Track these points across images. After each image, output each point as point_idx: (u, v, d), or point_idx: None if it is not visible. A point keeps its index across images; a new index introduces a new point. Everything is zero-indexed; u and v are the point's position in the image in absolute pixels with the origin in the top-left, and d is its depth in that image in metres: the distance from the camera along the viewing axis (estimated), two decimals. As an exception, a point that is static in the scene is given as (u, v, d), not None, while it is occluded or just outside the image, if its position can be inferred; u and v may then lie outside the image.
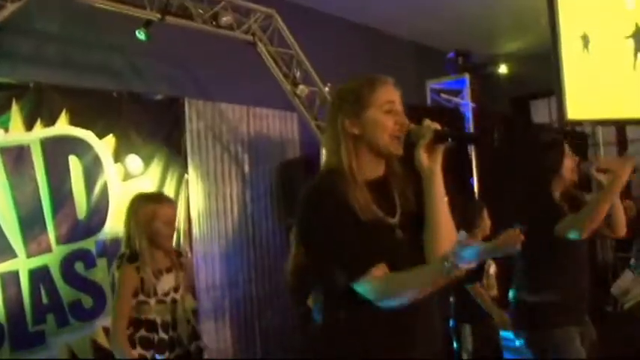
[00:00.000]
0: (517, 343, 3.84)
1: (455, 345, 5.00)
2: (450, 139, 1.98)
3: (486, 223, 4.81)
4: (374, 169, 2.05)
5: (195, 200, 5.87)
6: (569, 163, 3.47)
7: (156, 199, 3.61)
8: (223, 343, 5.98)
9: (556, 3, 6.47)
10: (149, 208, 3.34)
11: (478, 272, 4.88)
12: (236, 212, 6.20)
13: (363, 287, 1.89)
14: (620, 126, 8.00)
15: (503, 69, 8.32)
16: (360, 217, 1.92)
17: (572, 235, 3.21)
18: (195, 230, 5.84)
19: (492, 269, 4.81)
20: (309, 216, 2.00)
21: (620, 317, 5.31)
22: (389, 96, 2.03)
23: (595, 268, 5.79)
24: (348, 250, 1.91)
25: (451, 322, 5.04)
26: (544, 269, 3.38)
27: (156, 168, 5.60)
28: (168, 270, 3.37)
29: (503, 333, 4.79)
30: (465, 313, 4.86)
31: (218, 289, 5.97)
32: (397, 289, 1.89)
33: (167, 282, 3.35)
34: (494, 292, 4.75)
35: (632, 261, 5.72)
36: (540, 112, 9.27)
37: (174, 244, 5.31)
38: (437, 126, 1.98)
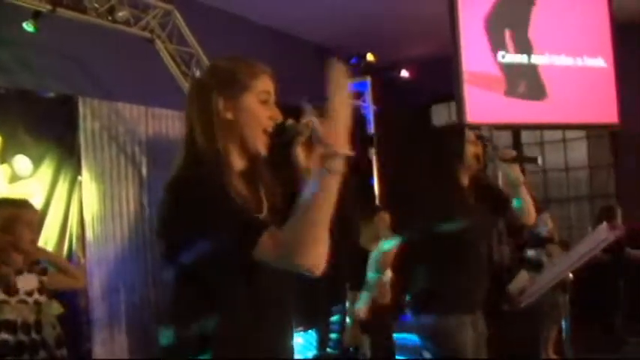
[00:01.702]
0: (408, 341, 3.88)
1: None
2: None
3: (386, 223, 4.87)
4: (240, 161, 1.89)
5: (90, 203, 5.64)
6: (472, 150, 3.42)
7: (17, 203, 3.53)
8: (119, 350, 5.76)
9: (457, 9, 6.66)
10: (9, 212, 3.30)
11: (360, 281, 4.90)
12: (132, 215, 6.00)
13: (263, 251, 1.69)
14: (516, 130, 8.31)
15: (405, 73, 8.44)
16: (240, 207, 1.76)
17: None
18: (89, 234, 5.61)
19: (387, 277, 4.81)
20: (185, 199, 1.76)
21: (516, 316, 5.49)
22: (267, 86, 1.88)
23: (491, 268, 5.96)
24: (239, 218, 1.72)
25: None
26: (443, 257, 3.40)
27: (47, 169, 5.36)
28: (30, 270, 3.32)
29: (396, 335, 4.86)
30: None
31: (113, 295, 5.75)
32: (304, 230, 1.68)
33: (28, 282, 3.29)
34: (387, 300, 4.75)
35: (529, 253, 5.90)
36: (442, 116, 9.50)
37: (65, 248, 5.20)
38: (317, 124, 1.82)
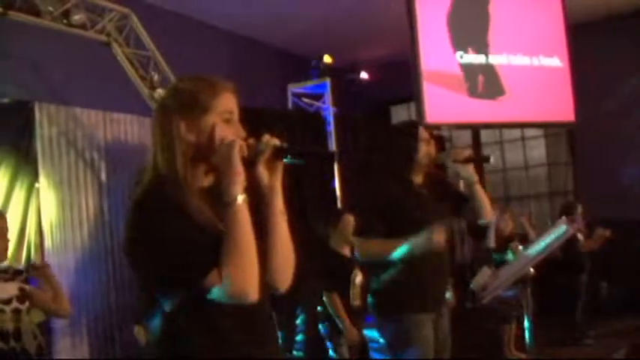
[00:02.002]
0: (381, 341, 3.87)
1: (330, 352, 5.07)
2: (289, 156, 1.89)
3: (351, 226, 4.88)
4: (207, 178, 1.91)
5: (48, 210, 5.55)
6: (425, 149, 3.44)
7: None
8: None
9: (415, 11, 6.71)
10: None
11: (338, 281, 4.92)
12: (92, 222, 5.91)
13: (215, 289, 1.74)
14: (475, 129, 8.40)
15: (364, 75, 8.49)
16: (197, 224, 1.78)
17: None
18: (47, 242, 5.52)
19: (358, 279, 4.84)
20: (144, 220, 1.80)
21: (479, 313, 5.54)
22: (228, 104, 1.88)
23: (453, 267, 6.02)
24: (191, 251, 1.75)
25: (321, 327, 5.11)
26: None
27: (2, 176, 5.28)
28: (8, 279, 3.30)
29: (367, 332, 4.87)
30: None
31: (74, 303, 5.63)
32: (232, 266, 1.74)
33: (6, 290, 3.26)
34: (358, 302, 4.77)
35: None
36: (401, 117, 9.56)
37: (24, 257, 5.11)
38: (276, 141, 1.87)
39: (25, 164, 5.43)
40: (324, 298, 4.90)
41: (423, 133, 3.49)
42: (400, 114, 9.54)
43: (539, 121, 7.51)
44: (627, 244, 7.35)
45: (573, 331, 6.84)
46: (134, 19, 5.15)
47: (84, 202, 5.91)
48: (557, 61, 7.26)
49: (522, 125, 7.97)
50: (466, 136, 9.08)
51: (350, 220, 4.82)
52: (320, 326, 5.06)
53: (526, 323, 4.16)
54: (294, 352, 5.60)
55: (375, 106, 9.12)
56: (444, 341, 3.48)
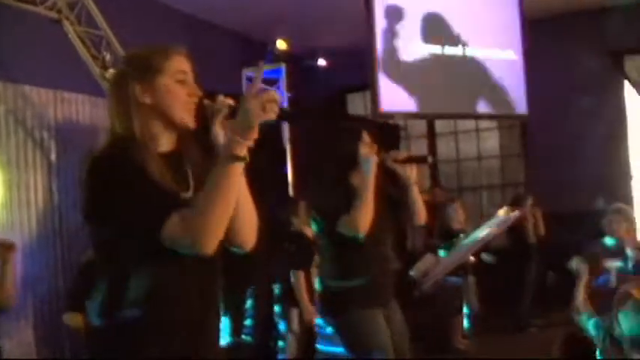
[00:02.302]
0: (328, 330, 3.91)
1: (282, 327, 5.16)
2: None
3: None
4: (166, 142, 1.96)
5: (-5, 189, 5.42)
6: (366, 151, 3.46)
7: None
8: (27, 345, 5.58)
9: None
10: None
11: (303, 260, 5.03)
12: (41, 203, 5.79)
13: (168, 235, 1.75)
14: (430, 120, 8.48)
15: (321, 62, 8.48)
16: (157, 187, 1.80)
17: (353, 234, 3.30)
18: (-6, 222, 5.40)
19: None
20: (103, 178, 1.81)
21: (426, 303, 5.62)
22: (181, 65, 1.95)
23: (404, 255, 6.09)
24: (149, 201, 1.77)
25: (277, 308, 5.19)
26: (345, 256, 3.44)
27: (-53, 154, 5.13)
28: None
29: (318, 320, 4.93)
30: (292, 297, 5.02)
31: (20, 286, 5.54)
32: (201, 216, 1.75)
33: None
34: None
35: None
36: (357, 105, 9.60)
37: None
38: (231, 102, 1.93)
39: (-28, 143, 5.31)
40: (291, 277, 4.98)
41: (364, 136, 3.51)
42: (357, 102, 9.58)
43: (493, 114, 7.61)
44: (575, 235, 7.51)
45: (518, 319, 6.98)
46: (86, -4, 5.05)
47: (32, 182, 5.78)
48: (512, 54, 7.36)
49: (476, 117, 8.07)
50: (421, 126, 9.19)
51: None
52: (275, 308, 5.16)
53: (465, 310, 4.23)
54: (243, 337, 5.62)
55: (332, 93, 9.12)
56: (400, 335, 3.52)
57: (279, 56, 7.03)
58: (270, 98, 1.76)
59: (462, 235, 5.68)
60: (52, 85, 5.88)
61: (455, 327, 6.36)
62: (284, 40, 6.96)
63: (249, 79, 6.96)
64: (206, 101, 1.94)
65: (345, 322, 3.45)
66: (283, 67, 6.73)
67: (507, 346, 6.23)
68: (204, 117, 1.93)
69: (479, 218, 7.77)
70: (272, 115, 1.76)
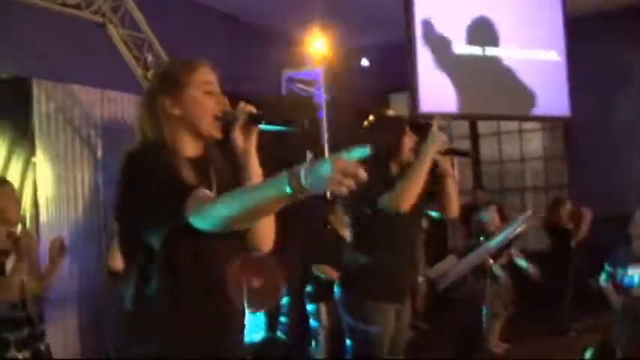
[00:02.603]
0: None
1: (314, 323, 5.24)
2: (262, 122, 2.03)
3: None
4: (193, 148, 2.07)
5: (43, 184, 5.67)
6: (408, 142, 3.55)
7: None
8: (72, 332, 5.82)
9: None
10: None
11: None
12: (87, 197, 6.03)
13: (192, 210, 1.82)
14: (472, 120, 8.43)
15: (365, 62, 8.52)
16: (182, 181, 1.91)
17: (390, 210, 3.33)
18: (42, 215, 5.64)
19: None
20: (131, 171, 1.95)
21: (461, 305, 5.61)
22: (207, 77, 2.06)
23: (445, 254, 6.10)
24: (174, 186, 1.87)
25: (309, 307, 5.29)
26: (371, 242, 3.50)
27: (0, 150, 5.38)
28: (11, 251, 3.45)
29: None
30: (320, 294, 5.13)
31: (67, 278, 5.78)
32: (227, 201, 1.78)
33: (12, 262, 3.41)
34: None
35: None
36: (400, 105, 9.57)
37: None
38: (251, 109, 2.03)
39: (23, 139, 5.53)
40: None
41: (408, 138, 3.56)
42: (399, 102, 9.56)
43: (534, 115, 7.54)
44: (618, 239, 7.38)
45: (558, 323, 6.90)
46: (129, 0, 5.23)
47: (79, 177, 6.03)
48: (554, 55, 7.28)
49: (517, 118, 8.00)
50: (464, 127, 9.13)
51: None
52: (307, 306, 5.26)
53: (484, 311, 4.24)
54: (278, 333, 5.71)
55: (374, 93, 9.12)
56: (402, 325, 3.58)
57: (319, 57, 7.10)
58: (352, 173, 1.59)
59: (482, 238, 5.68)
60: (99, 84, 6.12)
61: (491, 330, 6.34)
62: (324, 41, 7.00)
63: (289, 81, 7.05)
64: (227, 108, 2.06)
65: (351, 306, 3.50)
66: (322, 68, 6.80)
67: (545, 350, 6.19)
68: (225, 123, 2.04)
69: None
70: (344, 190, 1.59)
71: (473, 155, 3.61)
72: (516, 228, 3.51)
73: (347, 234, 5.04)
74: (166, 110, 2.02)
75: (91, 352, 5.91)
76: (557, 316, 6.92)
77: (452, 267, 3.42)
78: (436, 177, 3.58)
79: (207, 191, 1.88)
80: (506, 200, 8.53)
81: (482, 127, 9.12)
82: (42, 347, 3.49)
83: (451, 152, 3.56)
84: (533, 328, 6.77)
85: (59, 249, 3.57)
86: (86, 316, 5.91)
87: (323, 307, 5.23)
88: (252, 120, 2.03)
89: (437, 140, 3.31)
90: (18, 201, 3.72)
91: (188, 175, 1.94)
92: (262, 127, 2.05)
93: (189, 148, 2.06)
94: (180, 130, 2.04)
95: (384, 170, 3.54)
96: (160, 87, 2.07)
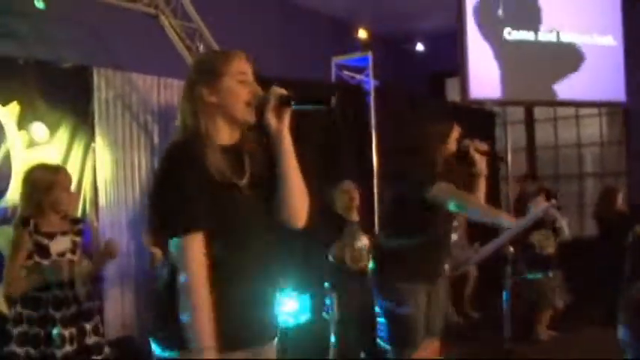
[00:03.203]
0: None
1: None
2: (293, 103, 2.16)
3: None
4: (228, 136, 2.22)
5: (103, 168, 5.92)
6: (454, 134, 3.70)
7: (53, 168, 3.79)
8: (129, 307, 6.11)
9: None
10: (48, 177, 3.57)
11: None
12: (144, 181, 6.28)
13: (174, 245, 2.08)
14: (528, 106, 8.32)
15: (419, 46, 8.51)
16: (213, 178, 2.09)
17: (435, 202, 3.46)
18: (101, 198, 5.90)
19: (364, 242, 5.08)
20: (162, 170, 2.17)
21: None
22: (241, 67, 2.21)
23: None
24: (186, 204, 2.08)
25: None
26: (408, 226, 3.65)
27: (62, 135, 5.60)
28: (64, 233, 3.58)
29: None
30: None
31: (124, 256, 6.05)
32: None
33: (62, 243, 3.56)
34: (364, 263, 4.99)
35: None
36: (456, 89, 9.50)
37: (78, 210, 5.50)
38: (282, 91, 2.17)
39: (83, 124, 5.75)
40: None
41: (455, 131, 3.71)
42: (455, 86, 9.50)
43: (589, 100, 7.41)
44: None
45: (609, 314, 6.79)
46: (181, -9, 5.41)
47: (137, 161, 6.26)
48: (610, 40, 7.12)
49: (571, 104, 7.86)
50: (519, 112, 9.02)
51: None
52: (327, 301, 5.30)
53: (505, 298, 4.29)
54: (323, 314, 5.80)
55: (431, 77, 9.11)
56: (437, 305, 3.73)
57: (367, 42, 7.12)
58: None
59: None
60: (155, 72, 6.34)
61: (540, 318, 6.35)
62: (365, 29, 7.02)
63: (338, 67, 7.09)
64: (259, 91, 2.20)
65: (385, 286, 3.67)
66: (370, 54, 6.83)
67: (593, 340, 6.14)
68: (258, 107, 2.18)
69: (576, 207, 7.62)
70: None
71: (504, 164, 3.68)
72: (534, 219, 3.59)
73: (353, 216, 5.14)
74: (204, 98, 2.16)
75: (147, 330, 6.16)
76: (609, 307, 6.82)
77: (473, 254, 3.53)
78: (471, 175, 3.69)
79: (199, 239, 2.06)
80: (561, 187, 8.39)
81: (538, 112, 8.99)
82: (88, 325, 3.57)
83: (487, 154, 3.68)
84: (585, 318, 6.72)
85: (111, 252, 3.71)
86: (143, 294, 6.19)
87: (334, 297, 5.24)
88: (283, 101, 2.16)
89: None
90: (72, 194, 3.83)
91: (218, 166, 2.10)
92: (294, 106, 2.17)
93: (225, 135, 2.21)
94: (217, 118, 2.18)
95: (429, 158, 3.66)
96: (197, 77, 2.21)
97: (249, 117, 2.19)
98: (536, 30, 6.95)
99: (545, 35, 6.97)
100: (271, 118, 2.18)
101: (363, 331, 4.96)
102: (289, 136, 2.22)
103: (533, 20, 6.94)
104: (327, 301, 5.79)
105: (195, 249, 2.06)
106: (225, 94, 2.17)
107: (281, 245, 2.33)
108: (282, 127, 2.20)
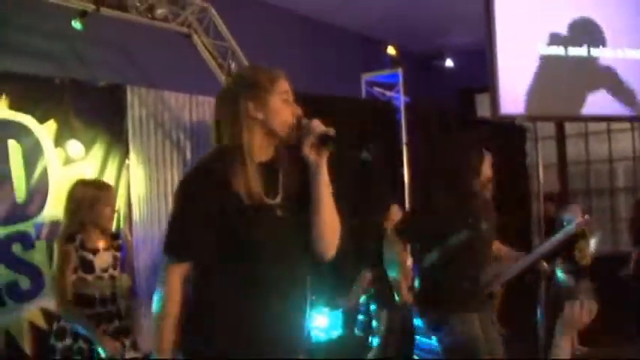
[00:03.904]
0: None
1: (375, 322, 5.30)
2: (333, 144, 2.14)
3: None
4: (265, 153, 2.22)
5: (136, 185, 5.99)
6: (487, 161, 3.71)
7: (97, 184, 3.88)
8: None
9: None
10: (91, 193, 3.62)
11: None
12: (176, 197, 6.33)
13: (162, 260, 2.21)
14: (559, 122, 8.26)
15: (449, 62, 8.51)
16: (240, 200, 2.10)
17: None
18: (135, 213, 5.96)
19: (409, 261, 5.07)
20: (178, 190, 2.27)
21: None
22: (285, 86, 2.22)
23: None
24: (184, 232, 2.16)
25: (372, 306, 5.35)
26: (452, 258, 3.63)
27: (97, 153, 5.68)
28: (106, 249, 3.64)
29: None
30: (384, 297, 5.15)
31: (157, 270, 6.08)
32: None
33: (104, 259, 3.61)
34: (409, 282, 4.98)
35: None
36: (486, 105, 9.46)
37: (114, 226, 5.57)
38: (324, 129, 2.15)
39: (118, 142, 5.82)
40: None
41: (487, 157, 3.73)
42: (485, 102, 9.46)
43: (621, 115, 7.34)
44: None
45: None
46: (213, 11, 5.49)
47: (170, 178, 6.31)
48: (642, 54, 7.07)
49: (603, 119, 7.79)
50: (550, 127, 8.95)
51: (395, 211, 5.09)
52: (371, 307, 5.30)
53: (538, 314, 4.26)
54: (356, 331, 5.80)
55: (459, 94, 9.09)
56: (490, 331, 3.72)
57: (397, 60, 7.14)
58: None
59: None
60: (188, 89, 6.42)
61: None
62: (394, 45, 7.04)
63: (368, 84, 7.11)
64: (304, 120, 2.19)
65: (435, 321, 3.64)
66: (400, 71, 6.85)
67: (626, 356, 6.05)
68: (299, 133, 2.17)
69: (608, 222, 7.53)
70: None
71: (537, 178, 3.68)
72: (567, 234, 3.57)
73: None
74: (250, 113, 2.15)
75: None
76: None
77: (504, 270, 3.52)
78: None
79: (183, 268, 2.19)
80: (593, 202, 8.29)
81: (569, 127, 8.89)
82: (127, 341, 3.60)
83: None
84: (617, 334, 6.62)
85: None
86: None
87: (384, 313, 5.24)
88: (323, 141, 2.14)
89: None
90: (114, 208, 3.83)
91: (247, 185, 2.11)
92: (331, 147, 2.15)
93: (263, 151, 2.20)
94: (258, 133, 2.16)
95: (466, 188, 3.68)
96: (243, 90, 2.18)
97: (289, 138, 2.19)
98: (566, 45, 6.91)
99: (576, 50, 6.93)
100: (310, 153, 2.17)
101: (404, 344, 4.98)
102: (326, 171, 2.19)
103: (563, 35, 6.90)
104: (360, 317, 5.80)
105: (174, 276, 2.19)
106: (270, 111, 2.16)
107: (313, 264, 2.31)
108: (320, 163, 2.18)
